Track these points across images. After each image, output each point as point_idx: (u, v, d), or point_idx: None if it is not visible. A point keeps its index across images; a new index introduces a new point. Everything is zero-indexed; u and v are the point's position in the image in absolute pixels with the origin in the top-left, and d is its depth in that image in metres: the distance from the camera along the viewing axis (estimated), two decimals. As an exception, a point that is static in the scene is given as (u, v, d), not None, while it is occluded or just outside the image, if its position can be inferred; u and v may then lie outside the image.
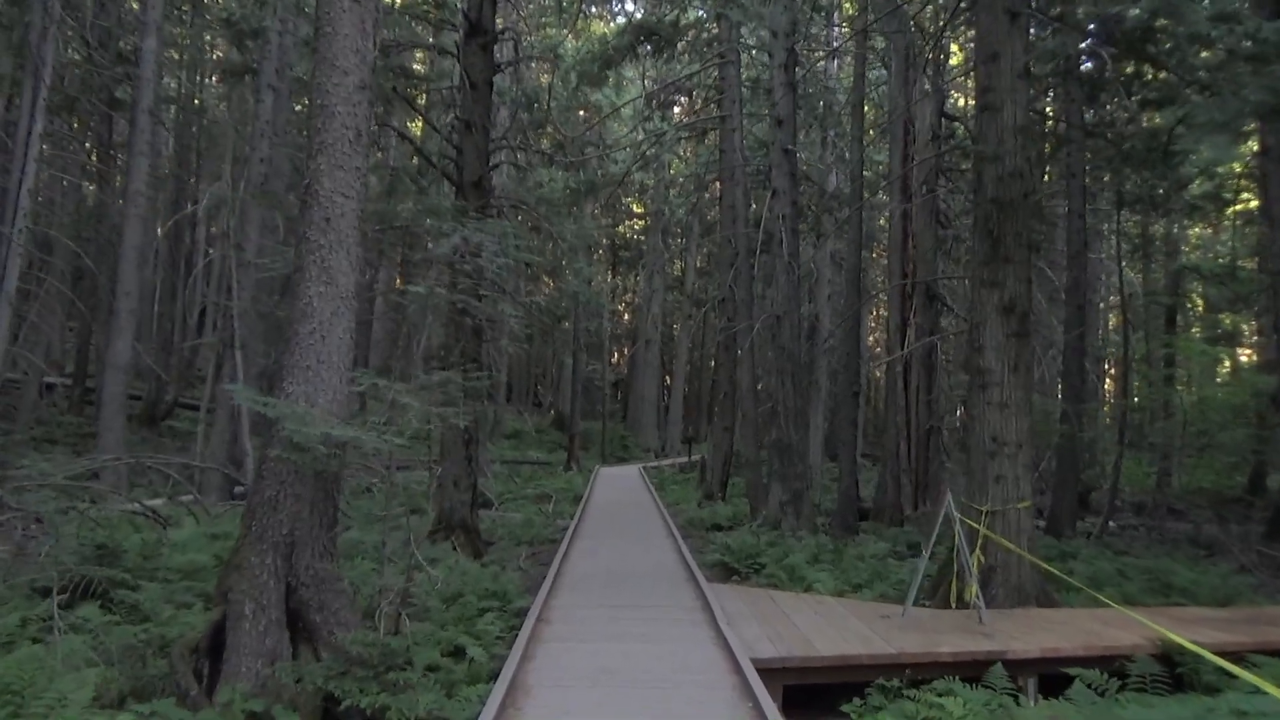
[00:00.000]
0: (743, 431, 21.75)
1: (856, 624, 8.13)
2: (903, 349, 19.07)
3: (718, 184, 29.42)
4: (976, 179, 10.02)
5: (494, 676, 6.39)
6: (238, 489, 16.71)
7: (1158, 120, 15.43)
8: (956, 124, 20.23)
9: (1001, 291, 9.56)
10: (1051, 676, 7.16)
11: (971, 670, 6.92)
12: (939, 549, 9.97)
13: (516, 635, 7.83)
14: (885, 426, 21.27)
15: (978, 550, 8.33)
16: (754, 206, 22.45)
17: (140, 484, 16.76)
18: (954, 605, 8.69)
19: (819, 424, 29.82)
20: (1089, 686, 6.57)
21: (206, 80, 31.43)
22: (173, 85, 29.07)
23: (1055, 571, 9.04)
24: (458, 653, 7.64)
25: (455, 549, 12.99)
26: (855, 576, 11.08)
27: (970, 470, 9.69)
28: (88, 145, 20.06)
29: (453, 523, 13.26)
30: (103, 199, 19.70)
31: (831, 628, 7.95)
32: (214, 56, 29.61)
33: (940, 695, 6.33)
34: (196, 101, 30.62)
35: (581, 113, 30.92)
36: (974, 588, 7.98)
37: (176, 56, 27.41)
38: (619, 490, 24.57)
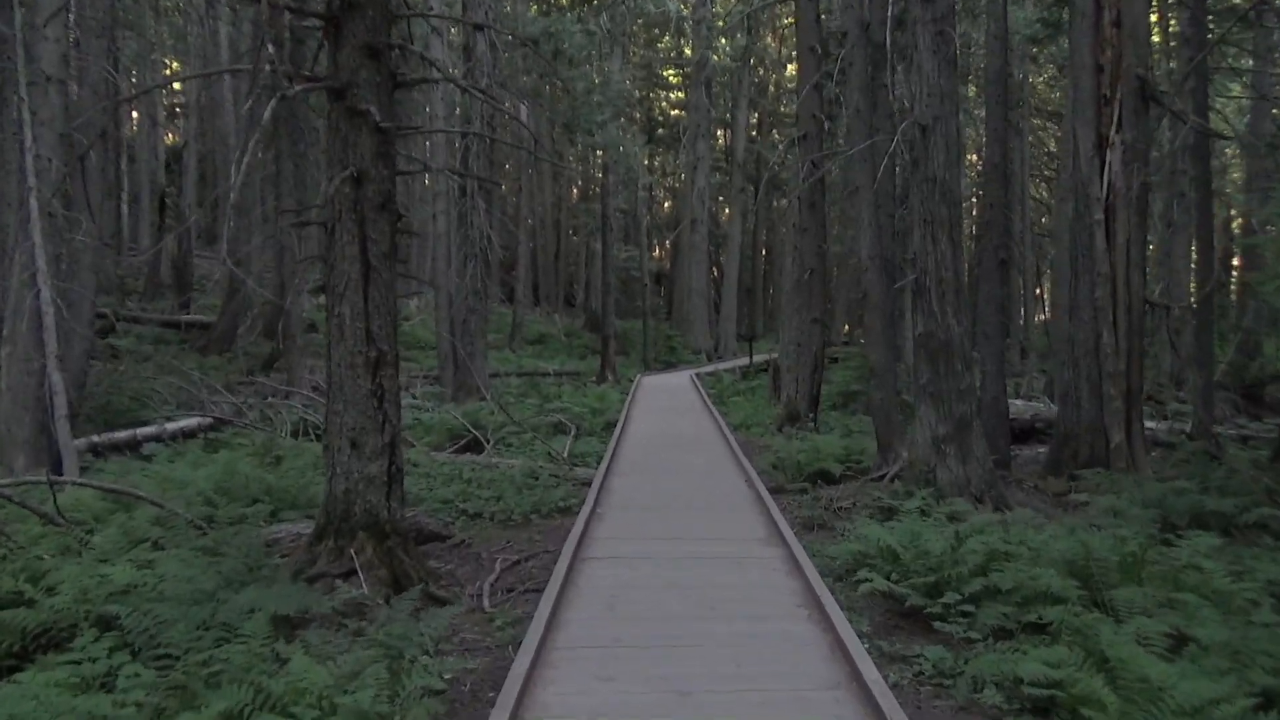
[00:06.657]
0: (857, 323, 15.13)
1: None
2: (1102, 181, 12.11)
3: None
4: None
5: None
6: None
7: None
8: None
9: None
10: None
11: None
12: None
13: None
14: (1064, 304, 14.52)
15: None
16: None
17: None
18: None
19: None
20: None
21: None
22: None
23: None
24: None
25: (359, 573, 6.66)
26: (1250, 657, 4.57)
27: None
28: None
29: (351, 522, 6.89)
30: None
31: None
32: None
33: None
34: None
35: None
36: None
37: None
38: (666, 412, 18.09)
